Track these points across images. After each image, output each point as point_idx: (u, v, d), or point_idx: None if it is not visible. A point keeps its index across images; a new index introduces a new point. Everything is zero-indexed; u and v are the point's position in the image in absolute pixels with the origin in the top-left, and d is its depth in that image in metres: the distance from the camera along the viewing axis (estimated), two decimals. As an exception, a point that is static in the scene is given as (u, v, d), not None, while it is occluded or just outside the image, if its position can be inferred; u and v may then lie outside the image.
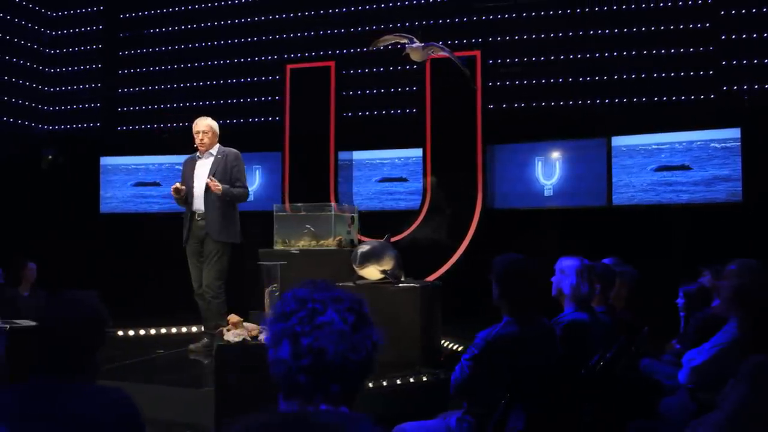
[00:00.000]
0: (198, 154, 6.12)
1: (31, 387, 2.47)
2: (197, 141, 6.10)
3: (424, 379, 5.04)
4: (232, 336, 4.23)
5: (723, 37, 7.91)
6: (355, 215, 7.36)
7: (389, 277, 5.64)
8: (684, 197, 7.97)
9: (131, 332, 7.25)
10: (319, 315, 1.57)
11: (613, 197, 8.30)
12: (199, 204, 6.02)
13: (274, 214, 7.12)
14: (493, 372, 3.60)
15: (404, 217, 8.72)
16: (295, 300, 1.61)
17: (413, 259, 6.70)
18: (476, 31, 8.86)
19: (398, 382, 4.90)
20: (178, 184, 6.01)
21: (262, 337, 4.29)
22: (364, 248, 5.56)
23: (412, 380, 4.98)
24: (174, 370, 5.68)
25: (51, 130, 10.52)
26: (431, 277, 7.64)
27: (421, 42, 5.94)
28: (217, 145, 6.15)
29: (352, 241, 7.24)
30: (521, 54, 8.80)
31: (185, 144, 9.94)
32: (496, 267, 3.77)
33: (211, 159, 6.07)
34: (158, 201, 10.02)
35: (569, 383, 3.75)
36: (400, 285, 5.66)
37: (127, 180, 10.09)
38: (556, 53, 8.68)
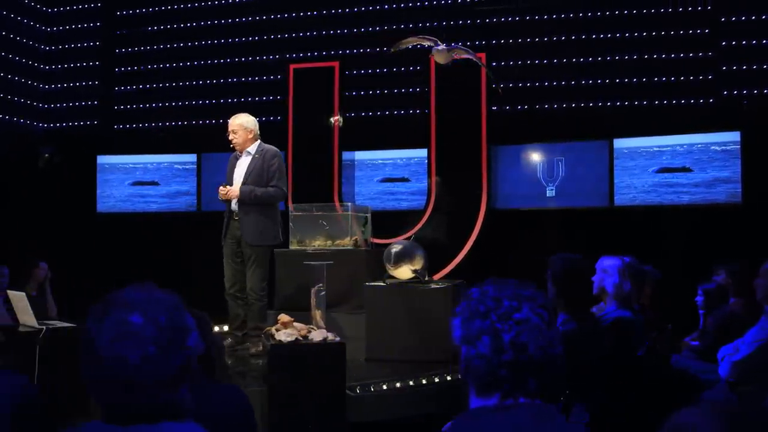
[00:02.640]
0: (238, 152, 6.09)
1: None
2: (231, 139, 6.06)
3: (460, 377, 5.11)
4: (284, 336, 4.27)
5: (723, 43, 8.13)
6: (369, 215, 7.42)
7: (419, 276, 5.72)
8: (685, 198, 8.17)
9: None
10: (516, 312, 1.65)
11: (615, 198, 8.47)
12: (236, 204, 6.00)
13: (290, 214, 7.14)
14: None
15: (406, 217, 8.78)
16: (489, 298, 1.68)
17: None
18: (480, 33, 8.96)
19: (436, 380, 4.98)
20: (221, 187, 5.98)
21: (312, 336, 4.35)
22: (396, 248, 5.63)
23: (449, 378, 5.05)
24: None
25: (47, 128, 10.38)
26: (435, 276, 7.73)
27: (444, 44, 6.00)
28: (257, 143, 6.06)
29: (366, 241, 7.31)
30: (525, 57, 8.93)
31: (184, 143, 9.98)
32: (553, 266, 3.89)
33: (249, 159, 6.03)
34: (157, 200, 9.95)
35: (627, 378, 3.88)
36: (432, 285, 5.74)
37: (125, 179, 10.00)
38: (560, 56, 8.82)
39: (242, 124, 6.06)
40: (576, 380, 3.64)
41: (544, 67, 8.89)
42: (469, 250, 8.46)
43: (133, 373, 1.46)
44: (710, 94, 8.23)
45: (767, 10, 7.97)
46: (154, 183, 9.95)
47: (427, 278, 5.97)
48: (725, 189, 7.97)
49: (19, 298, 5.15)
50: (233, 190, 5.91)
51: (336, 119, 8.57)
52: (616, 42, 8.61)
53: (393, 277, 5.78)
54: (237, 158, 6.15)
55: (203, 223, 9.70)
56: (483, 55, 8.26)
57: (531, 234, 8.70)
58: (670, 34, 8.39)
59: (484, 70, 6.56)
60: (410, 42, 6.29)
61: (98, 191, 10.01)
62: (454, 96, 8.58)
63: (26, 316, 4.99)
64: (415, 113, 9.28)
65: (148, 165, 9.97)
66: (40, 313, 6.13)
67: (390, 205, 9.49)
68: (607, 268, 4.49)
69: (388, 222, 8.47)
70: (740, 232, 7.62)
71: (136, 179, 9.99)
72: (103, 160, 10.02)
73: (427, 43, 6.09)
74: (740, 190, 7.88)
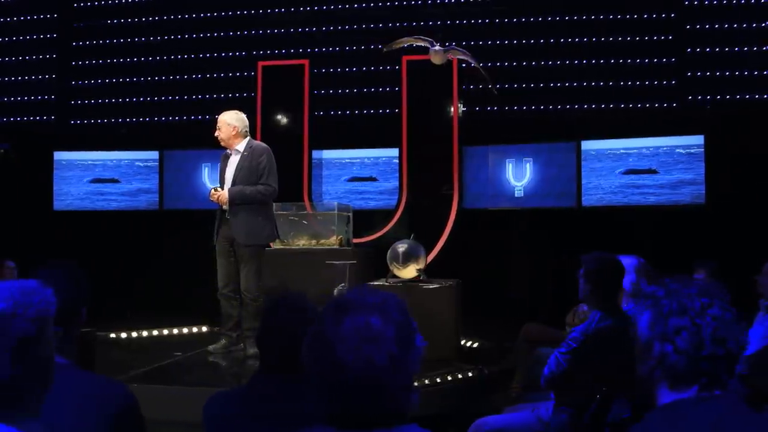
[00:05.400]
0: (228, 151, 5.96)
1: (260, 386, 2.45)
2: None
3: (470, 374, 5.17)
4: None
5: (688, 50, 8.47)
6: (350, 215, 7.41)
7: (421, 275, 5.75)
8: (651, 199, 8.45)
9: (123, 335, 7.00)
10: (710, 308, 1.71)
11: (583, 199, 8.68)
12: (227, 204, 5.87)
13: (274, 213, 7.04)
14: (591, 364, 3.78)
15: (374, 216, 8.80)
16: (682, 296, 1.74)
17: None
18: (450, 35, 9.02)
19: (449, 378, 5.02)
20: (212, 190, 5.84)
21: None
22: (402, 248, 5.64)
23: (460, 376, 5.10)
24: (210, 371, 5.56)
25: (1, 122, 9.92)
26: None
27: (440, 45, 6.04)
28: (246, 140, 5.91)
29: (348, 240, 7.30)
30: (494, 59, 9.05)
31: (146, 140, 9.70)
32: (588, 264, 3.95)
33: (238, 157, 5.87)
34: (117, 198, 9.65)
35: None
36: (435, 284, 5.76)
37: (84, 176, 9.66)
38: (528, 59, 9.00)
39: (225, 120, 5.93)
40: (617, 375, 3.73)
41: (513, 70, 9.04)
42: (439, 250, 8.54)
43: (380, 375, 1.43)
44: (675, 98, 8.55)
45: (730, 18, 8.35)
46: (114, 180, 9.64)
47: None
48: (689, 190, 8.28)
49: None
50: (223, 194, 5.79)
51: None
52: (583, 46, 8.84)
53: (395, 276, 5.79)
54: (228, 156, 6.03)
55: (165, 222, 9.49)
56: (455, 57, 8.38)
57: (499, 234, 8.84)
58: (635, 40, 8.67)
59: (480, 71, 6.61)
60: (405, 42, 6.31)
61: (55, 188, 9.63)
62: (426, 96, 8.64)
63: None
64: (384, 113, 9.30)
65: (108, 162, 9.65)
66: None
67: (357, 204, 9.43)
68: (625, 267, 4.59)
69: (356, 221, 8.47)
70: (704, 232, 7.92)
71: (95, 176, 9.66)
72: (60, 156, 9.64)
73: (422, 44, 6.12)
74: (704, 191, 8.19)
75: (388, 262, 5.76)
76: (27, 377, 1.51)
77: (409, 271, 5.67)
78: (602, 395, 3.68)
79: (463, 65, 8.48)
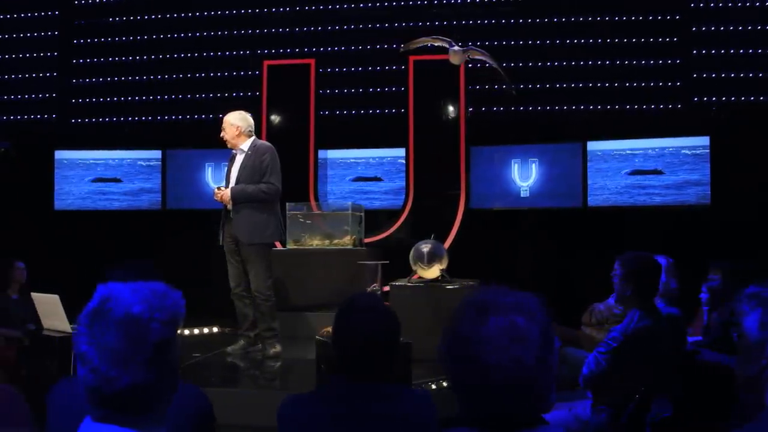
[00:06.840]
0: (234, 151, 5.94)
1: (337, 388, 2.44)
2: None
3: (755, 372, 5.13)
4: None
5: (694, 51, 8.54)
6: (362, 215, 7.40)
7: (444, 275, 5.74)
8: (656, 200, 8.50)
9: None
10: None
11: (588, 199, 8.71)
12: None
13: (287, 213, 7.02)
14: (630, 363, 3.80)
15: (378, 216, 8.78)
16: None
17: (395, 258, 6.68)
18: (458, 34, 9.03)
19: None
20: (216, 189, 5.83)
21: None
22: (426, 248, 5.61)
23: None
24: (231, 372, 5.52)
25: (1, 121, 9.80)
26: (415, 276, 7.74)
27: (459, 44, 6.04)
28: (250, 139, 5.90)
29: (361, 240, 7.28)
30: (500, 59, 9.04)
31: (148, 139, 9.63)
32: (628, 265, 3.96)
33: (243, 156, 5.85)
34: (119, 198, 9.56)
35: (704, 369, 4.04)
36: (458, 285, 5.75)
37: (85, 175, 9.56)
38: (534, 60, 9.03)
39: (229, 120, 5.93)
40: (659, 373, 3.76)
41: (519, 70, 9.04)
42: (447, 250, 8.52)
43: (529, 375, 1.43)
44: (680, 99, 8.61)
45: (736, 20, 8.42)
46: (116, 180, 9.55)
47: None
48: (695, 191, 8.33)
49: (45, 301, 4.83)
50: (225, 193, 5.78)
51: None
52: (589, 47, 8.88)
53: (419, 277, 5.78)
54: (234, 157, 6.02)
55: (168, 222, 9.42)
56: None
57: (505, 234, 8.85)
58: (641, 41, 8.72)
59: (499, 71, 6.61)
60: (422, 42, 6.30)
61: (56, 188, 9.52)
62: (432, 96, 8.63)
63: (56, 321, 4.69)
64: (390, 113, 9.28)
65: (110, 161, 9.56)
66: (28, 317, 5.79)
67: (362, 204, 9.43)
68: (655, 267, 4.60)
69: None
70: (709, 232, 7.98)
71: (96, 176, 9.57)
72: (61, 155, 9.54)
73: (440, 44, 6.11)
74: (709, 192, 8.25)
75: (412, 262, 5.73)
76: (159, 381, 1.47)
77: (433, 271, 5.65)
78: (642, 394, 3.71)
79: (469, 66, 8.53)
